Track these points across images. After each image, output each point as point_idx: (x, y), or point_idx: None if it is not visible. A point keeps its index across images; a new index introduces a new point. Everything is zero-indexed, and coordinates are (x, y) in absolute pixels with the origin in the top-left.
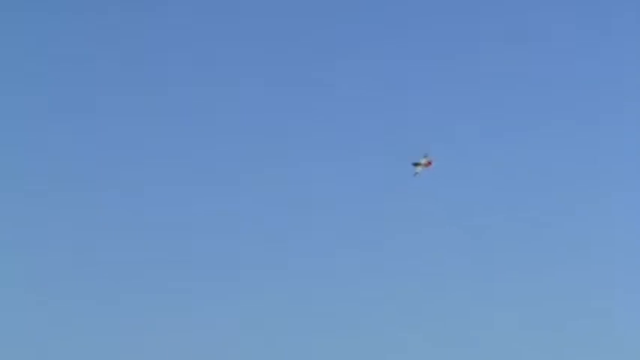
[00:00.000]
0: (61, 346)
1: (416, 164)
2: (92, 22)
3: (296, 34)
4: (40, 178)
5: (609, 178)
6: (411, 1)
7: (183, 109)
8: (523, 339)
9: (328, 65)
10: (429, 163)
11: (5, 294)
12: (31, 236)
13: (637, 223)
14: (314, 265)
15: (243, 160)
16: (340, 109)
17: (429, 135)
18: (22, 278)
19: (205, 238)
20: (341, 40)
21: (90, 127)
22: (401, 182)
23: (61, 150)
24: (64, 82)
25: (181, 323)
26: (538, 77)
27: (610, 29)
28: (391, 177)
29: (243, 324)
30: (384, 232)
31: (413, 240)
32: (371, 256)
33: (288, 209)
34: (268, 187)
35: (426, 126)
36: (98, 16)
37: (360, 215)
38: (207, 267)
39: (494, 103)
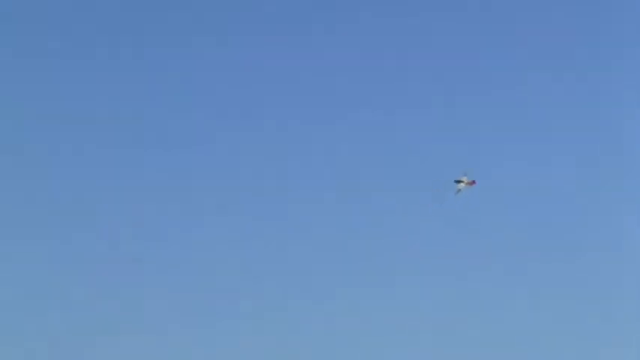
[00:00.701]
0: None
1: (458, 181)
2: (92, 21)
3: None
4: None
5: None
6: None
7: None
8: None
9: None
10: (473, 182)
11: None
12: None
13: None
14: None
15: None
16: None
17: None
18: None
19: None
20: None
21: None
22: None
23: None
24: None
25: (182, 323)
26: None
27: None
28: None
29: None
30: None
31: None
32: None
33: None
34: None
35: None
36: (98, 15)
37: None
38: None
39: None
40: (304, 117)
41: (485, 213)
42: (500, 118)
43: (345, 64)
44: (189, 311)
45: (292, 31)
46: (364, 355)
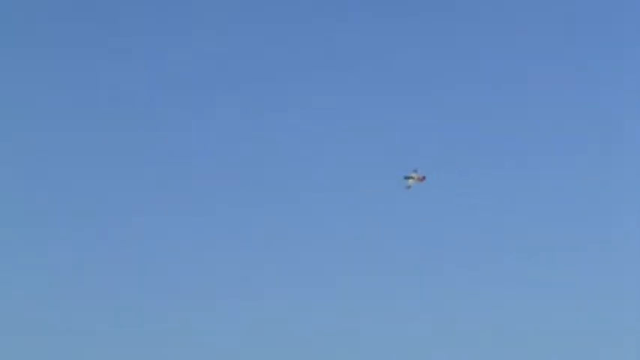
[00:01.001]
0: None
1: (407, 177)
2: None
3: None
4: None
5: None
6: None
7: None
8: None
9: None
10: (423, 178)
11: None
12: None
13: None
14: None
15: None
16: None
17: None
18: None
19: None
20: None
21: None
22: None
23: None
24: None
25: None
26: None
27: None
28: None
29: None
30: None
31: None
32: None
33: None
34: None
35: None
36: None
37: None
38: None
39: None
40: (303, 115)
41: (484, 212)
42: (499, 117)
43: (344, 63)
44: (189, 311)
45: (292, 29)
46: (365, 353)
